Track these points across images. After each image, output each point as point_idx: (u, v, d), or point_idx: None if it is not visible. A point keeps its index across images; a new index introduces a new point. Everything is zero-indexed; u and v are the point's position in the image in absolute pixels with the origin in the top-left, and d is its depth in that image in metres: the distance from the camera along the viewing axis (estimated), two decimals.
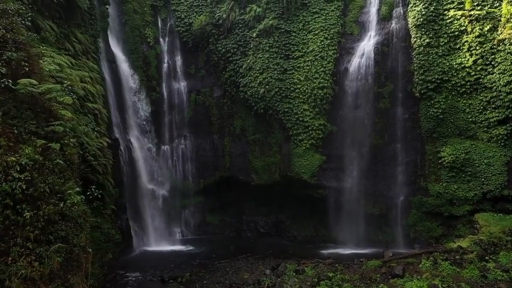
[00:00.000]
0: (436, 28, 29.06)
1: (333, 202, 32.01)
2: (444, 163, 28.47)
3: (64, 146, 12.58)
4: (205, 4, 36.24)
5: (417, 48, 29.33)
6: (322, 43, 32.02)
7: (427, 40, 29.01)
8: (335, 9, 32.68)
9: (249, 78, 33.28)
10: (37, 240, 10.68)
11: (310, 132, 31.56)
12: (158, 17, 37.09)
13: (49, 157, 11.49)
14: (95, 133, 23.53)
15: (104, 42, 30.71)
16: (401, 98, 30.36)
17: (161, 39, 36.90)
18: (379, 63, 30.83)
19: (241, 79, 33.91)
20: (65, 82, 13.97)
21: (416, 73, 29.39)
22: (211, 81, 36.84)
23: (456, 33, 28.51)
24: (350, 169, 31.47)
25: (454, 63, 28.41)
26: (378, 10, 31.94)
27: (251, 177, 34.55)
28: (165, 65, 36.70)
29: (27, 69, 12.12)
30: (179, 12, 36.69)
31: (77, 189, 12.01)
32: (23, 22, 12.84)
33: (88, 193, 13.62)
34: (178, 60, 37.29)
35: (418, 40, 29.34)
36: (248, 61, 33.66)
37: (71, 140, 12.86)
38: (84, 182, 22.44)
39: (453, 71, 28.44)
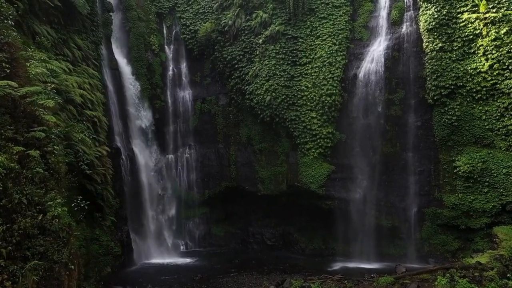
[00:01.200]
0: (449, 32, 27.86)
1: (343, 214, 30.70)
2: (460, 172, 27.03)
3: (48, 154, 11.67)
4: (210, 11, 35.60)
5: (430, 53, 28.15)
6: (330, 48, 31.03)
7: (440, 45, 27.83)
8: (343, 14, 31.72)
9: (255, 85, 32.36)
10: (10, 256, 9.71)
11: (318, 140, 30.46)
12: (163, 24, 36.58)
13: (28, 166, 10.57)
14: (94, 141, 22.86)
15: (107, 49, 30.16)
16: (413, 105, 29.14)
17: (166, 47, 36.30)
18: (389, 68, 29.68)
19: (247, 87, 33.01)
20: (50, 85, 13.13)
21: (428, 78, 28.16)
22: (216, 89, 36.05)
23: (471, 36, 27.26)
24: (360, 179, 30.19)
25: (469, 68, 27.12)
26: (388, 14, 30.86)
27: (257, 187, 33.44)
28: (170, 72, 36.05)
29: (8, 71, 11.30)
30: (184, 20, 36.11)
31: (59, 200, 11.03)
32: (5, 22, 12.07)
33: (73, 204, 12.63)
34: (183, 67, 36.63)
35: (431, 45, 28.17)
36: (254, 68, 32.79)
37: (56, 147, 11.95)
38: (81, 192, 21.80)
39: (468, 76, 27.14)
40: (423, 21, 28.63)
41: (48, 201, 10.71)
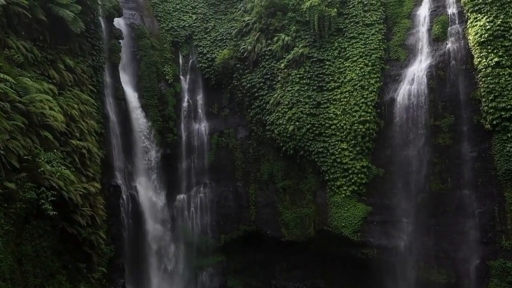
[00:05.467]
0: (506, 44, 23.42)
1: (384, 265, 25.94)
2: None
3: None
4: (229, 37, 33.03)
5: (484, 70, 23.63)
6: (362, 70, 27.35)
7: (496, 59, 23.31)
8: (376, 33, 28.34)
9: (277, 114, 28.77)
10: None
11: (351, 176, 26.46)
12: (179, 53, 34.07)
13: None
14: (80, 176, 19.42)
15: (112, 77, 27.65)
16: (466, 131, 24.49)
17: (181, 77, 33.53)
18: (434, 90, 25.39)
19: (267, 116, 29.46)
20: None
21: (484, 100, 23.46)
22: (235, 120, 32.67)
23: None
24: (404, 223, 25.61)
25: None
26: (429, 30, 27.03)
27: (280, 232, 29.13)
28: (185, 104, 33.00)
29: None
30: (201, 48, 33.54)
31: None
32: None
33: None
34: (200, 98, 33.57)
35: (484, 60, 23.68)
36: (276, 95, 29.34)
37: None
38: (61, 237, 18.13)
39: None
40: (473, 34, 24.33)
41: None
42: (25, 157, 13.93)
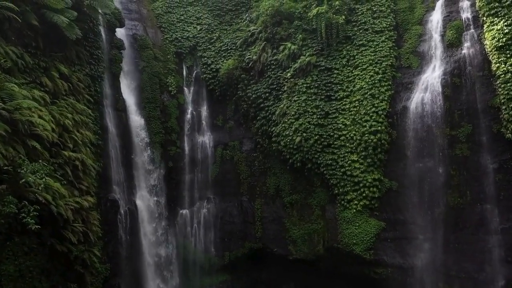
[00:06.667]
0: None
1: (399, 286, 24.11)
2: None
3: None
4: (234, 48, 32.05)
5: (503, 76, 22.25)
6: (372, 78, 26.14)
7: None
8: (386, 40, 27.24)
9: (283, 125, 27.53)
10: None
11: (362, 189, 24.87)
12: (183, 65, 33.10)
13: None
14: (73, 189, 18.30)
15: (113, 88, 26.72)
16: (486, 141, 22.94)
17: (185, 88, 32.51)
18: (449, 98, 24.02)
19: (273, 128, 28.23)
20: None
21: (504, 107, 22.01)
22: (240, 132, 31.45)
23: None
24: (420, 240, 23.85)
25: None
26: (443, 36, 25.85)
27: (287, 249, 27.54)
28: (189, 116, 31.89)
29: None
30: (205, 58, 32.56)
31: None
32: None
33: None
34: (204, 110, 32.46)
35: (503, 66, 22.35)
36: (282, 105, 28.16)
37: None
38: (50, 255, 16.94)
39: None
40: (490, 39, 23.04)
41: None
42: (5, 168, 12.78)
